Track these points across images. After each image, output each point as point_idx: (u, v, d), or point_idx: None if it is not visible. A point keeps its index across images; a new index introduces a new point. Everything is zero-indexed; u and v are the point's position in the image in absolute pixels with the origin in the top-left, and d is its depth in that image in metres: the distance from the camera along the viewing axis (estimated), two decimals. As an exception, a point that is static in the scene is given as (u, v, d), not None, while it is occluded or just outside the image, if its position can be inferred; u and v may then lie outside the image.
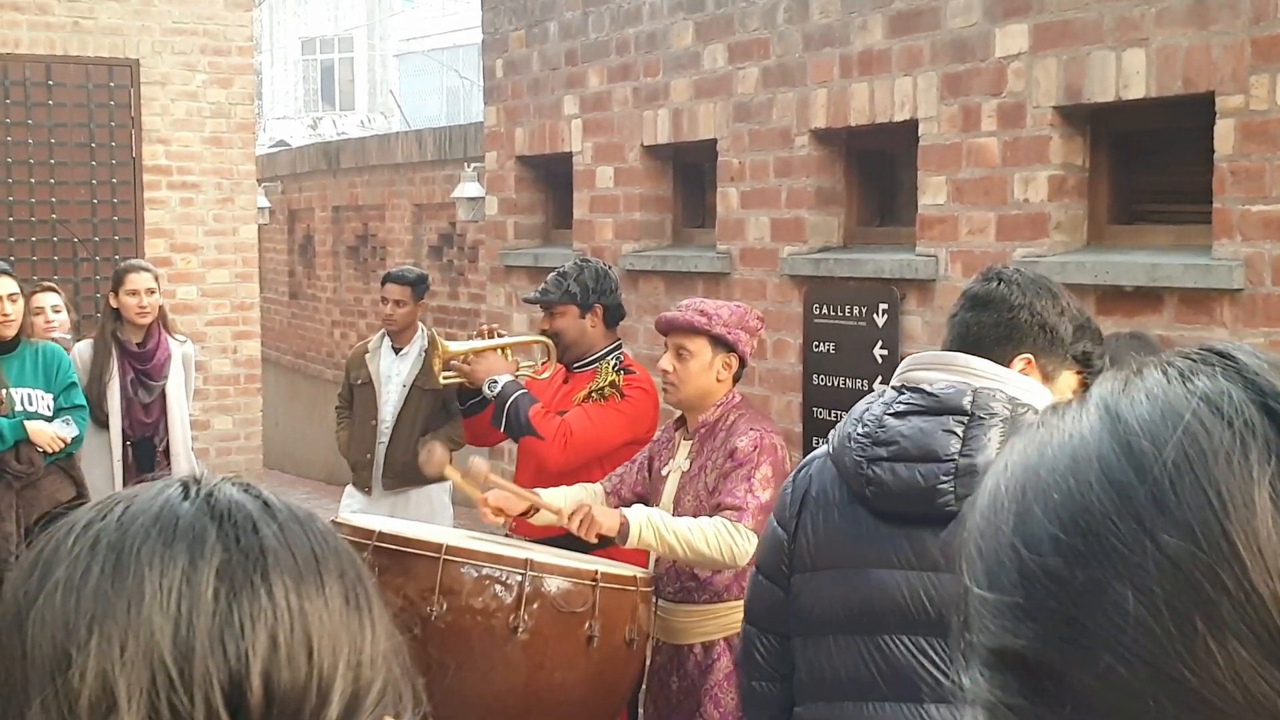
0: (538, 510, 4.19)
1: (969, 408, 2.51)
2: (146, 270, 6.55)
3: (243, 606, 0.80)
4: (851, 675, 2.70)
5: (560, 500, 4.28)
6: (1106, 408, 0.65)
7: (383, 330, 6.62)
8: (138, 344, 6.48)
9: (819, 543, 2.74)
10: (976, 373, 2.51)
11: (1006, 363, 2.50)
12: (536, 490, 4.31)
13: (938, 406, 2.56)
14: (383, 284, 6.69)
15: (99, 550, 0.83)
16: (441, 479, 4.79)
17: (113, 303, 6.49)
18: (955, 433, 2.51)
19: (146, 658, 0.78)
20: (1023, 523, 0.64)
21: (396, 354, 6.45)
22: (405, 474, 6.24)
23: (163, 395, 6.50)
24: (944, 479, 2.52)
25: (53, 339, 6.39)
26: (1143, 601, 0.59)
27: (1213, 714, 0.58)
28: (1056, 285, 2.64)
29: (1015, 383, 2.51)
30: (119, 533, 0.84)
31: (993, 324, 2.52)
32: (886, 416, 2.65)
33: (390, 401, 6.37)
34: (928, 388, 2.59)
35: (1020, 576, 0.63)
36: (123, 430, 6.40)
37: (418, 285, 6.57)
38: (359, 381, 6.54)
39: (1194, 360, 0.65)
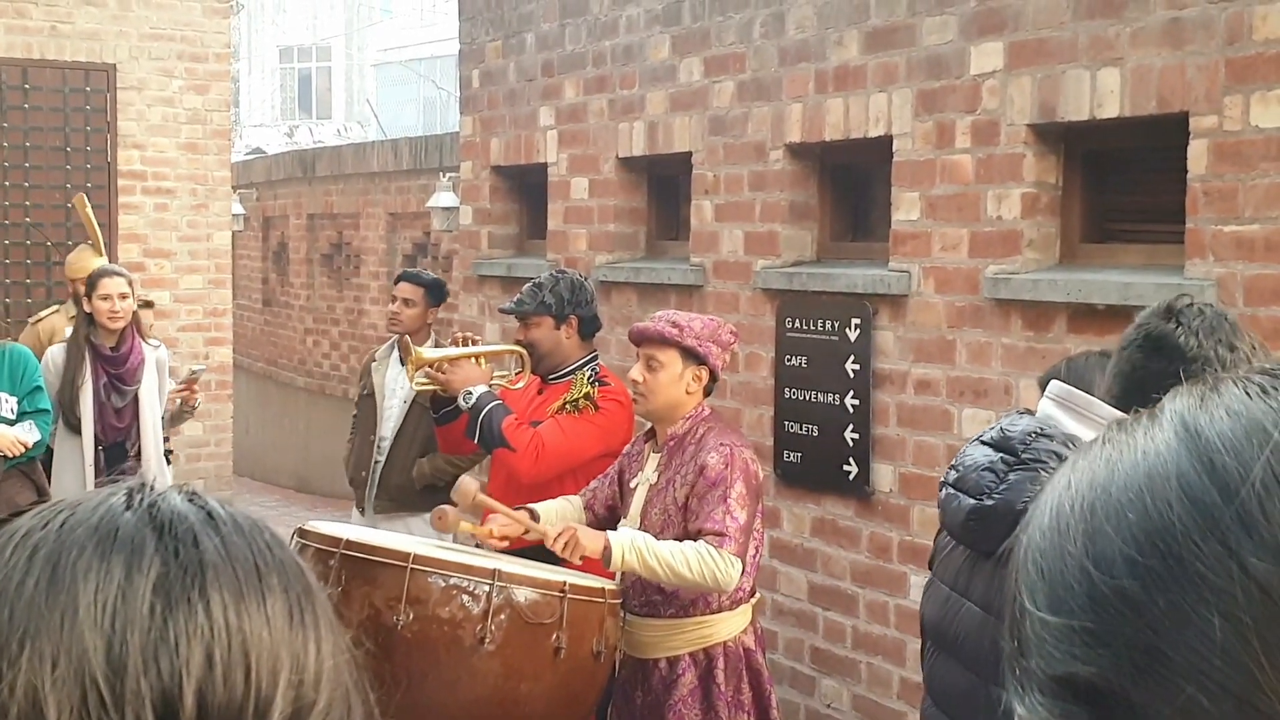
0: (528, 531, 4.18)
1: (1019, 452, 2.44)
2: (120, 275, 6.51)
3: (178, 622, 0.78)
4: (928, 683, 2.76)
5: (547, 518, 4.27)
6: (1184, 423, 0.61)
7: (393, 339, 6.24)
8: (111, 348, 6.43)
9: (936, 550, 2.78)
10: (1082, 409, 2.38)
11: None
12: (529, 506, 4.30)
13: (1000, 442, 2.51)
14: (395, 283, 6.38)
15: (35, 561, 0.81)
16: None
17: (86, 307, 6.45)
18: (996, 473, 2.46)
19: (78, 675, 0.76)
20: (1093, 543, 0.60)
21: (403, 365, 5.84)
22: (401, 497, 5.90)
23: (135, 400, 6.46)
24: (970, 518, 2.50)
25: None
26: (1231, 630, 0.56)
27: None
28: (1237, 328, 2.40)
29: (1082, 432, 2.35)
30: (57, 543, 0.81)
31: (1159, 373, 2.30)
32: (976, 440, 2.60)
33: (391, 417, 6.00)
34: (1007, 424, 2.53)
35: (1090, 600, 0.60)
36: (95, 435, 6.36)
37: (432, 289, 6.23)
38: (365, 392, 6.20)
39: (1271, 375, 0.62)
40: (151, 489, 0.86)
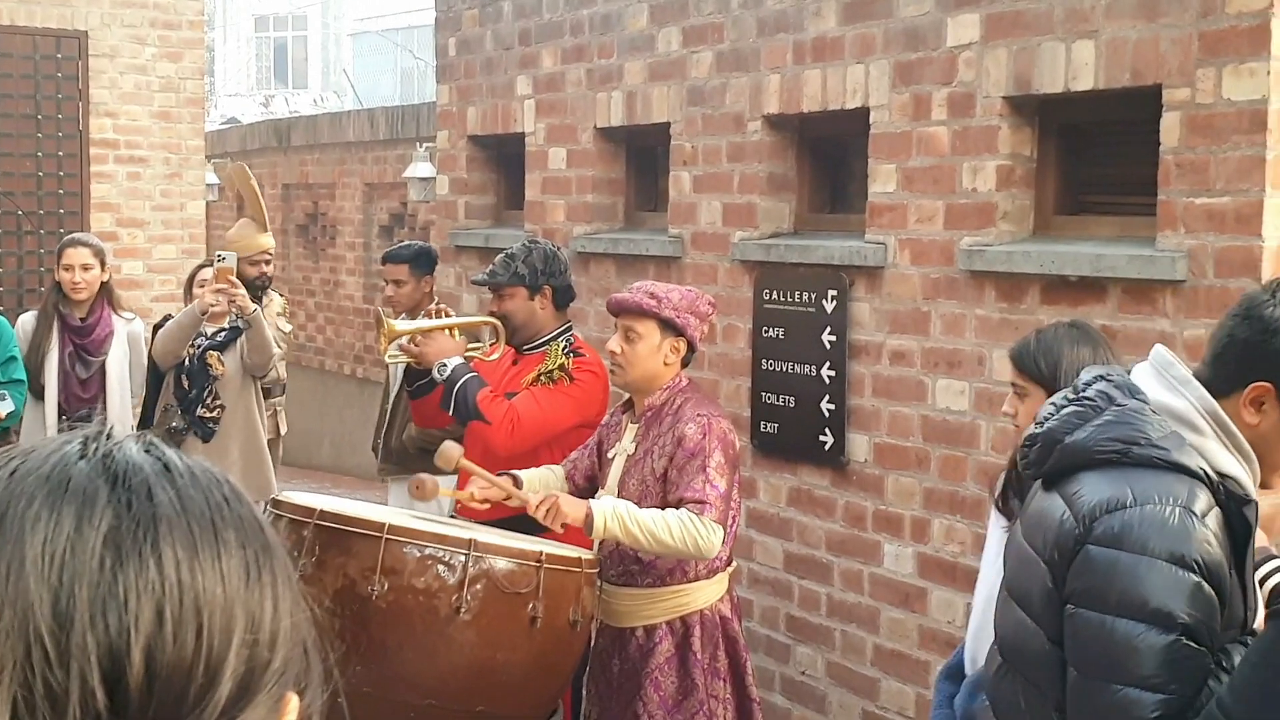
0: (509, 496, 4.20)
1: (1079, 390, 2.46)
2: (85, 245, 6.44)
3: (129, 577, 0.76)
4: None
5: (530, 484, 4.29)
6: None
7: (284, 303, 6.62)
8: (80, 318, 6.40)
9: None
10: (1177, 384, 2.38)
11: (1239, 384, 2.28)
12: (512, 472, 4.31)
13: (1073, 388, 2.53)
14: (381, 264, 6.49)
15: None
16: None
17: (56, 276, 6.42)
18: (1055, 405, 2.49)
19: (22, 629, 0.74)
20: None
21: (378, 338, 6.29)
22: (402, 460, 6.00)
23: (102, 371, 6.42)
24: (1025, 443, 2.53)
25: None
26: None
27: None
28: None
29: (1171, 402, 2.33)
30: (6, 491, 0.79)
31: (1244, 341, 2.29)
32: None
33: (395, 388, 6.14)
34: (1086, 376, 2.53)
35: None
36: (59, 404, 6.33)
37: (417, 261, 6.35)
38: (385, 365, 6.29)
39: None
40: (108, 437, 0.84)
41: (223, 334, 6.33)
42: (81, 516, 0.77)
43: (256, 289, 6.88)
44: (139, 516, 0.78)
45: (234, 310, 6.21)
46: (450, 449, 4.20)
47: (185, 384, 6.34)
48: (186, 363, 6.32)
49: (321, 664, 0.86)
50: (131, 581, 0.75)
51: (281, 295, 7.32)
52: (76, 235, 6.75)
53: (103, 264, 6.47)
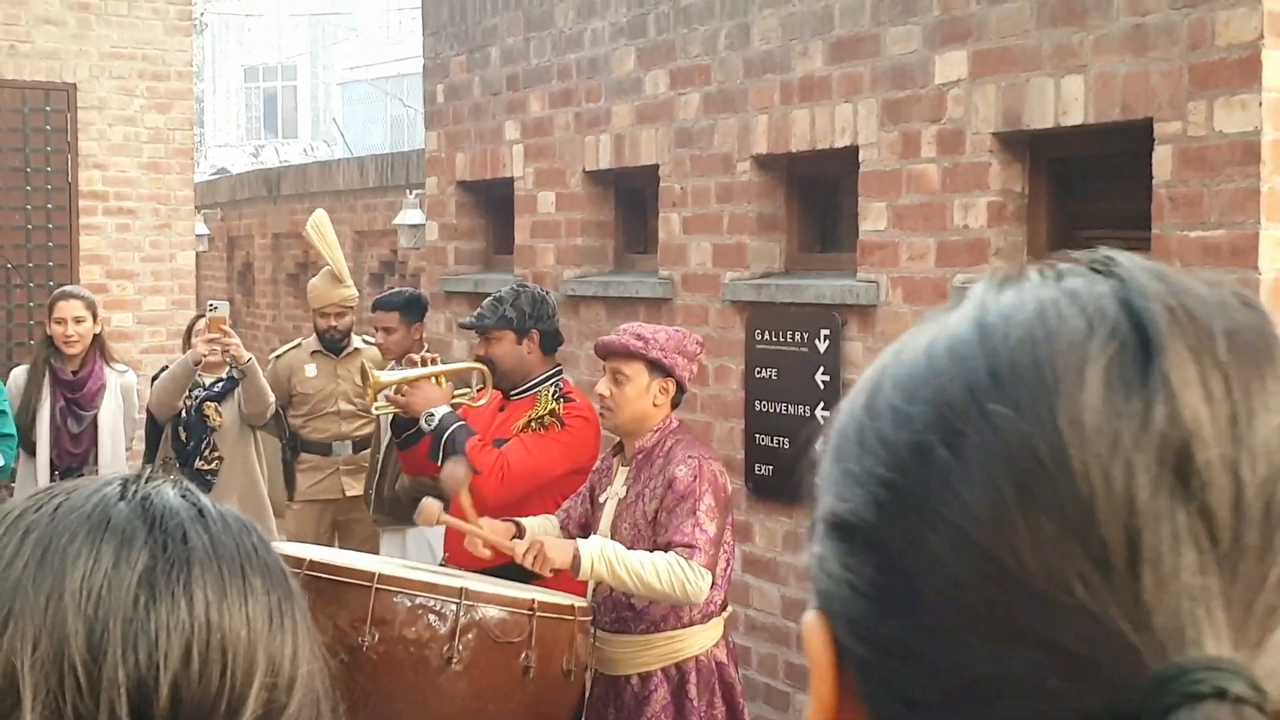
0: (520, 537, 4.16)
1: None
2: (77, 298, 6.38)
3: (161, 615, 0.79)
4: None
5: (532, 532, 4.24)
6: (978, 298, 0.64)
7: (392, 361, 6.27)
8: (72, 372, 6.34)
9: None
10: None
11: None
12: (515, 520, 4.26)
13: None
14: (371, 311, 6.44)
15: (27, 543, 0.82)
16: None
17: (47, 330, 6.37)
18: None
19: (57, 658, 0.78)
20: (872, 397, 0.64)
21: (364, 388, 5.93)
22: (394, 510, 5.91)
23: (94, 425, 6.35)
24: None
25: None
26: (956, 466, 0.58)
27: (1010, 584, 0.56)
28: None
29: None
30: (49, 527, 0.83)
31: None
32: None
33: (386, 438, 5.99)
34: None
35: (858, 447, 0.63)
36: (50, 459, 6.26)
37: (407, 308, 6.32)
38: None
39: (1076, 262, 0.64)
40: (147, 481, 0.88)
41: (220, 384, 6.28)
42: (120, 555, 0.81)
43: (330, 343, 6.77)
44: (174, 558, 0.82)
45: (228, 360, 6.15)
46: (430, 506, 4.15)
47: (183, 436, 6.28)
48: (183, 414, 6.27)
49: (331, 715, 0.88)
50: (163, 619, 0.79)
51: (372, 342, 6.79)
52: (67, 288, 6.69)
53: (94, 316, 6.41)
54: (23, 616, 0.79)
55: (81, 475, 6.22)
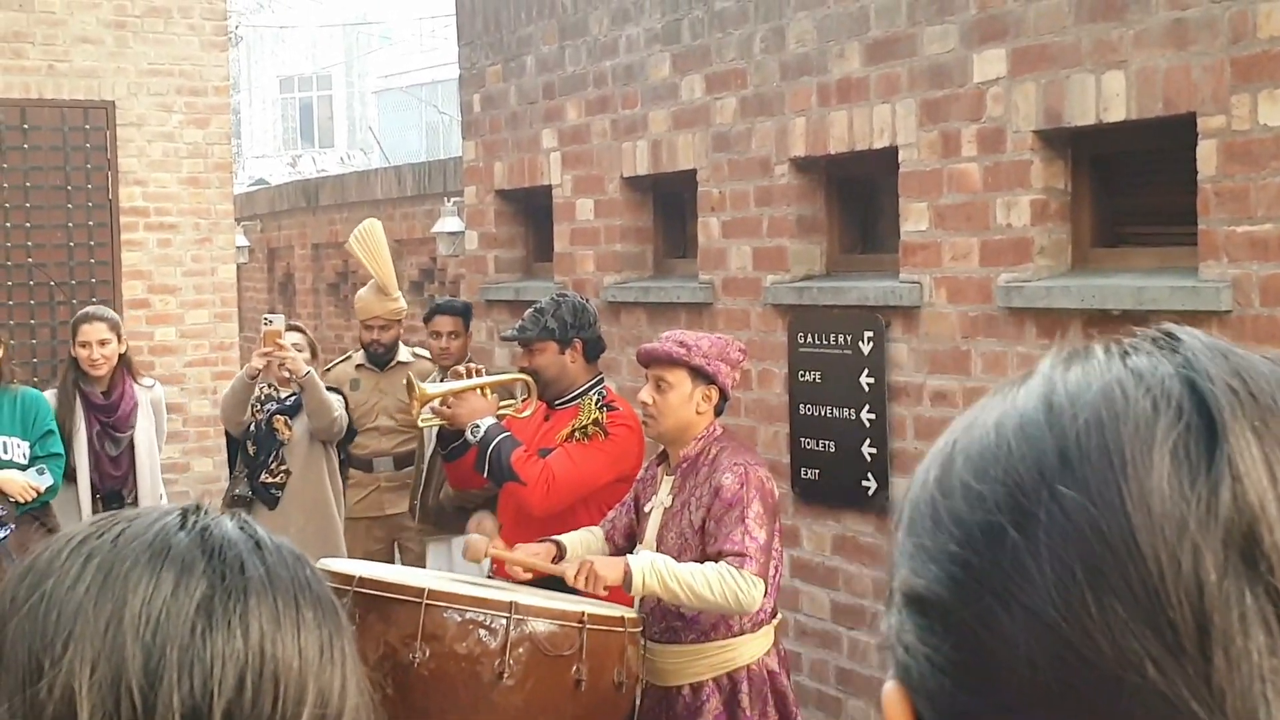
0: (561, 558, 4.16)
1: None
2: (101, 320, 6.31)
3: (217, 643, 0.81)
4: None
5: (573, 549, 4.24)
6: (1045, 375, 0.65)
7: (435, 369, 6.31)
8: (102, 393, 6.32)
9: None
10: None
11: None
12: (554, 539, 4.26)
13: None
14: (429, 317, 6.44)
15: (89, 568, 0.84)
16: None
17: (72, 353, 6.35)
18: None
19: (115, 682, 0.79)
20: (944, 473, 0.65)
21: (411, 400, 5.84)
22: (440, 520, 5.93)
23: (130, 445, 6.35)
24: None
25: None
26: (1028, 548, 0.59)
27: (1083, 665, 0.58)
28: None
29: None
30: (111, 553, 0.85)
31: None
32: None
33: (430, 449, 6.00)
34: None
35: (932, 522, 0.64)
36: (91, 483, 6.25)
37: (466, 314, 6.40)
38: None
39: (1140, 339, 0.66)
40: (206, 512, 0.91)
41: (292, 398, 6.28)
42: (179, 583, 0.83)
43: (374, 356, 6.71)
44: (231, 588, 0.84)
45: (285, 373, 6.15)
46: (477, 543, 4.16)
47: (251, 449, 6.30)
48: (252, 428, 6.29)
49: None
50: (219, 648, 0.81)
51: (427, 359, 6.65)
52: (90, 310, 6.59)
53: (119, 337, 6.37)
54: (83, 640, 0.81)
55: (122, 496, 6.29)
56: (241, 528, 0.90)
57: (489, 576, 4.82)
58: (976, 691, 0.61)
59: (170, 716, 0.79)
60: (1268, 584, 0.57)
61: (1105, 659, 0.57)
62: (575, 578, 3.91)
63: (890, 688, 0.66)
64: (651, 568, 3.88)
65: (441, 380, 5.75)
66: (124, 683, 0.80)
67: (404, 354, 6.76)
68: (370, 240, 6.70)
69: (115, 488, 6.32)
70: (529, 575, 4.15)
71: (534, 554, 4.16)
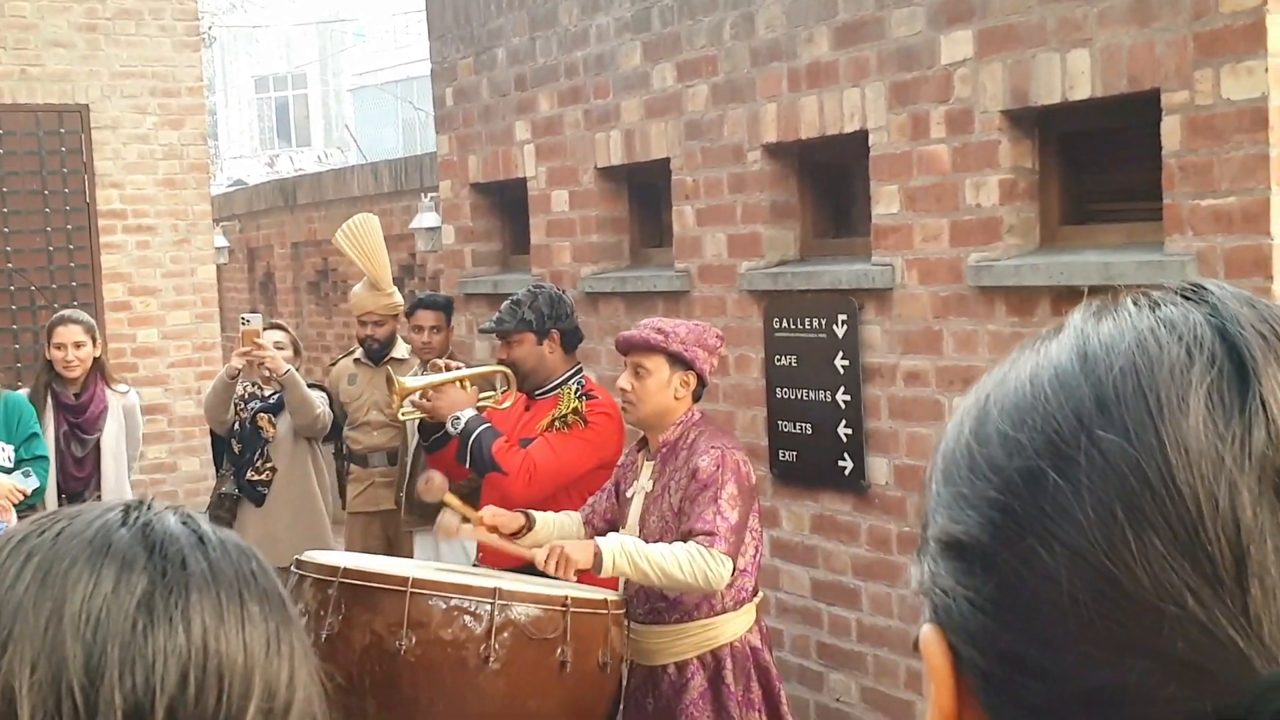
0: (530, 529, 4.20)
1: None
2: (76, 323, 6.37)
3: (158, 639, 0.80)
4: None
5: (545, 526, 4.28)
6: (1077, 328, 0.68)
7: (419, 363, 6.30)
8: (74, 395, 6.36)
9: None
10: None
11: None
12: (529, 512, 4.30)
13: None
14: (410, 312, 6.43)
15: (28, 566, 0.83)
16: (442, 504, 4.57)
17: (47, 355, 6.38)
18: None
19: (55, 681, 0.79)
20: (979, 424, 0.68)
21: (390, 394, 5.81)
22: (425, 511, 5.82)
23: (97, 449, 6.38)
24: None
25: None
26: (1070, 489, 0.62)
27: (1124, 598, 0.60)
28: None
29: None
30: (51, 551, 0.84)
31: None
32: None
33: (414, 441, 6.06)
34: None
35: (969, 471, 0.67)
36: (57, 484, 6.28)
37: (448, 308, 6.40)
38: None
39: (1169, 292, 0.68)
40: (149, 508, 0.89)
41: (276, 396, 6.31)
42: (119, 580, 0.82)
43: (370, 352, 6.65)
44: (172, 583, 0.83)
45: (265, 372, 6.19)
46: (449, 521, 4.21)
47: (236, 447, 6.33)
48: (237, 426, 6.32)
49: None
50: (160, 644, 0.80)
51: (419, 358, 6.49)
52: (65, 313, 6.62)
53: (94, 339, 6.40)
54: (22, 639, 0.80)
55: (84, 498, 6.30)
56: (184, 522, 0.89)
57: (475, 565, 4.87)
58: (1019, 628, 0.63)
59: (112, 714, 0.78)
60: None
61: (1145, 591, 0.60)
62: (546, 562, 3.96)
63: (928, 629, 0.69)
64: (621, 549, 3.93)
65: (421, 374, 5.79)
66: (65, 682, 0.79)
67: (401, 350, 6.69)
68: (361, 235, 6.68)
69: (78, 490, 6.34)
70: (494, 535, 4.21)
71: (496, 514, 4.21)
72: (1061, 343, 0.68)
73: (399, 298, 6.73)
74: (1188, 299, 0.67)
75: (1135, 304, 0.68)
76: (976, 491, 0.66)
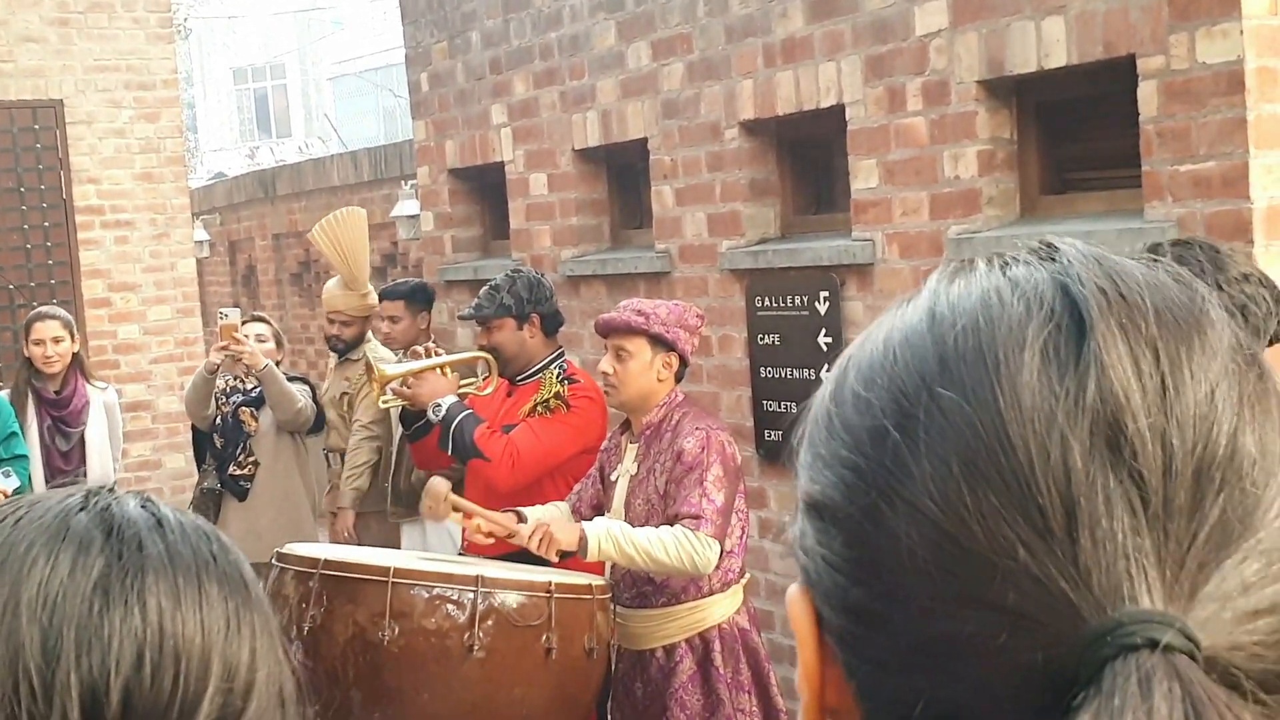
0: (512, 535, 4.16)
1: None
2: (54, 318, 6.38)
3: (114, 621, 0.81)
4: None
5: (535, 520, 4.24)
6: (931, 289, 0.68)
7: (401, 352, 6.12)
8: (55, 391, 6.37)
9: None
10: None
11: None
12: (517, 509, 4.25)
13: None
14: (378, 302, 6.36)
15: None
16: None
17: (25, 352, 6.38)
18: None
19: (11, 664, 0.80)
20: (838, 387, 0.69)
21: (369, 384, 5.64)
22: (411, 502, 5.87)
23: (81, 442, 6.38)
24: None
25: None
26: (908, 446, 0.63)
27: (960, 551, 0.61)
28: (1223, 260, 2.17)
29: None
30: (12, 535, 0.85)
31: None
32: None
33: (398, 430, 5.92)
34: None
35: (827, 432, 0.68)
36: (44, 478, 6.27)
37: (412, 296, 6.23)
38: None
39: (1022, 251, 0.68)
40: (110, 493, 0.90)
41: (257, 389, 6.27)
42: (76, 562, 0.83)
43: (335, 352, 6.55)
44: (129, 565, 0.84)
45: (243, 367, 6.16)
46: (438, 485, 4.16)
47: (218, 442, 6.30)
48: (219, 420, 6.28)
49: (299, 718, 0.90)
50: (116, 625, 0.81)
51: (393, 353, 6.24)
52: (43, 309, 6.61)
53: (72, 335, 6.40)
54: None
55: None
56: (144, 506, 0.90)
57: (460, 554, 4.83)
58: (866, 584, 0.64)
59: (68, 695, 0.79)
60: (1131, 468, 0.60)
61: (980, 545, 0.60)
62: (530, 539, 3.94)
63: (793, 590, 0.69)
64: (607, 533, 3.90)
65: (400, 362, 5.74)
66: (21, 665, 0.79)
67: (373, 349, 6.38)
68: (340, 231, 6.50)
69: (65, 483, 6.30)
70: (490, 540, 4.17)
71: (493, 521, 4.17)
72: (917, 304, 0.68)
73: (374, 299, 6.48)
74: (1040, 258, 0.67)
75: (988, 264, 0.68)
76: (831, 452, 0.67)
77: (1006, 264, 0.67)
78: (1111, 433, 0.60)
